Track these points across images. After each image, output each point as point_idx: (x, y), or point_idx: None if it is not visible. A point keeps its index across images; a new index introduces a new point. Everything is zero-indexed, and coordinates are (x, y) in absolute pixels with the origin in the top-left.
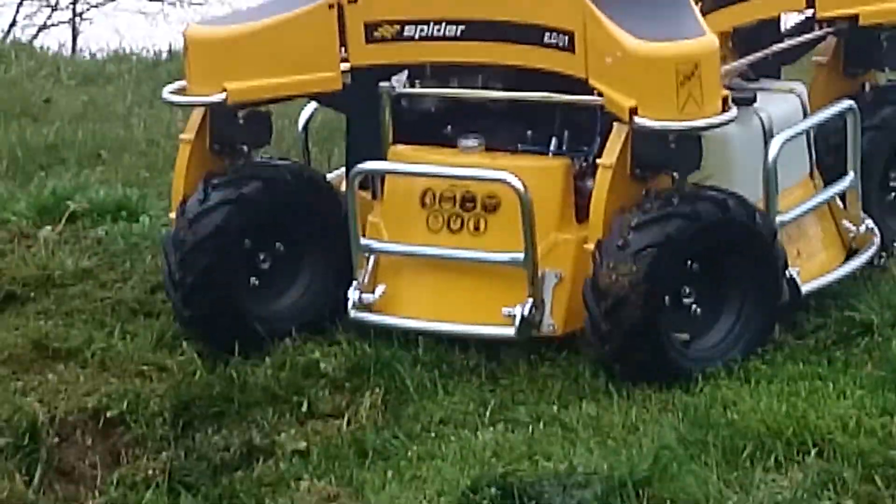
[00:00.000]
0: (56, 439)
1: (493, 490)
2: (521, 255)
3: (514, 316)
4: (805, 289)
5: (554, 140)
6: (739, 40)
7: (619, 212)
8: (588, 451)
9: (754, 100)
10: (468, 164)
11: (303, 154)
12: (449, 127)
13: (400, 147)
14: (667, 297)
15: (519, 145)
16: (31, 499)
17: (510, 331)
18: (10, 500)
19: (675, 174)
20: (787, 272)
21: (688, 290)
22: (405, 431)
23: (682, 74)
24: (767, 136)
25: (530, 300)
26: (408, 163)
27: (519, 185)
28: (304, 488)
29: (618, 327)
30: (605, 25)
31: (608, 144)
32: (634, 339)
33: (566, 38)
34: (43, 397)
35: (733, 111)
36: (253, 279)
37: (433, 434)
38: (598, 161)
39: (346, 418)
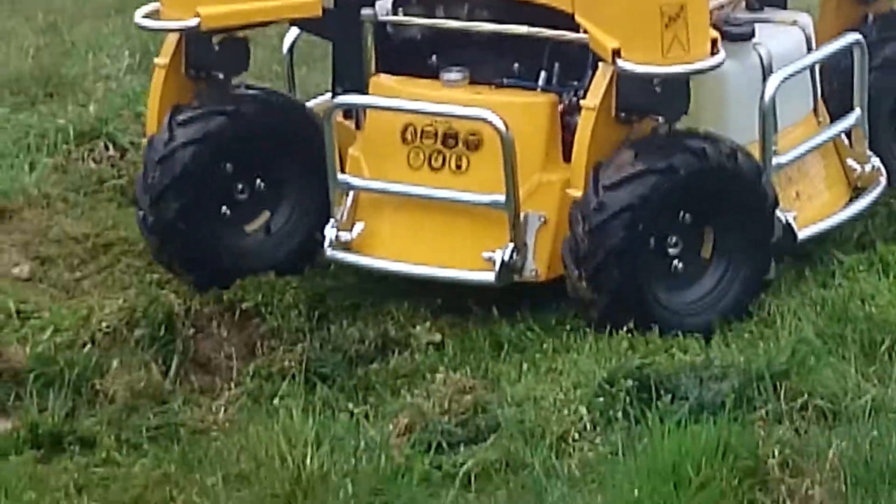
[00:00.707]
0: (192, 330)
1: (629, 382)
2: (501, 197)
3: (494, 261)
4: (803, 234)
5: (543, 74)
6: None
7: (597, 164)
8: (725, 345)
9: (752, 35)
10: (450, 99)
11: (288, 80)
12: (434, 56)
13: (382, 77)
14: (650, 254)
15: (504, 80)
16: (167, 389)
17: (490, 276)
18: (147, 389)
19: (659, 119)
20: (780, 214)
21: (673, 241)
22: (540, 325)
23: (666, 15)
24: (766, 72)
25: (511, 245)
26: (388, 95)
27: (500, 123)
28: (440, 380)
29: (600, 292)
30: None
31: (592, 85)
32: (618, 303)
33: None
34: (178, 289)
35: (721, 55)
36: (229, 213)
37: (568, 327)
38: (581, 102)
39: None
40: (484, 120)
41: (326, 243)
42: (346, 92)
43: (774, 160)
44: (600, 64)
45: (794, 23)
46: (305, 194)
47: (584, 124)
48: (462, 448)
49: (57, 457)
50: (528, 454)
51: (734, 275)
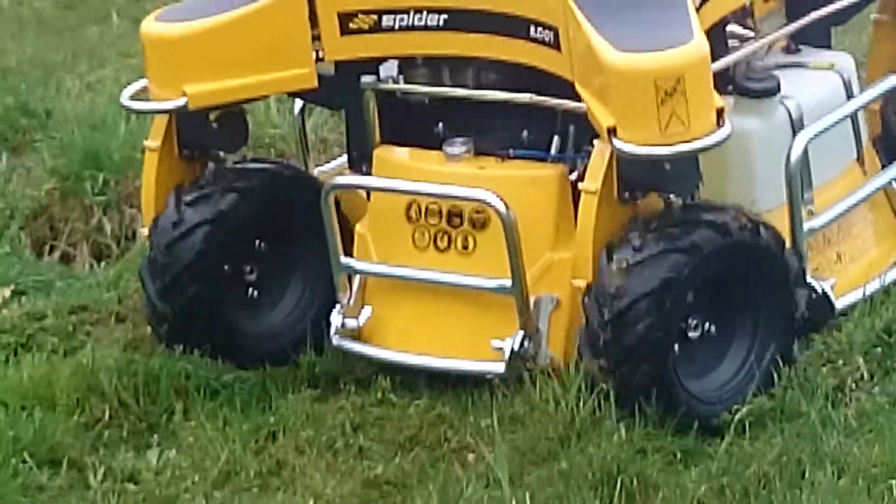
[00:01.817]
0: None
1: None
2: (508, 282)
3: (504, 350)
4: (843, 303)
5: (556, 139)
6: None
7: (608, 247)
8: None
9: (777, 89)
10: (452, 174)
11: (301, 145)
12: (440, 125)
13: (384, 150)
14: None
15: (511, 150)
16: None
17: (500, 367)
18: None
19: (669, 197)
20: (815, 284)
21: (694, 323)
22: None
23: (662, 91)
24: (796, 128)
25: (521, 332)
26: (391, 170)
27: (499, 203)
28: None
29: (624, 386)
30: (583, 28)
31: (590, 165)
32: (645, 395)
33: (552, 33)
34: None
35: (726, 129)
36: (244, 295)
37: None
38: (580, 186)
39: None
40: (482, 201)
41: (332, 330)
42: (359, 158)
43: (806, 225)
44: (596, 142)
45: (831, 66)
46: (322, 271)
47: (586, 210)
48: None
49: (334, 396)
50: (803, 404)
51: (758, 356)
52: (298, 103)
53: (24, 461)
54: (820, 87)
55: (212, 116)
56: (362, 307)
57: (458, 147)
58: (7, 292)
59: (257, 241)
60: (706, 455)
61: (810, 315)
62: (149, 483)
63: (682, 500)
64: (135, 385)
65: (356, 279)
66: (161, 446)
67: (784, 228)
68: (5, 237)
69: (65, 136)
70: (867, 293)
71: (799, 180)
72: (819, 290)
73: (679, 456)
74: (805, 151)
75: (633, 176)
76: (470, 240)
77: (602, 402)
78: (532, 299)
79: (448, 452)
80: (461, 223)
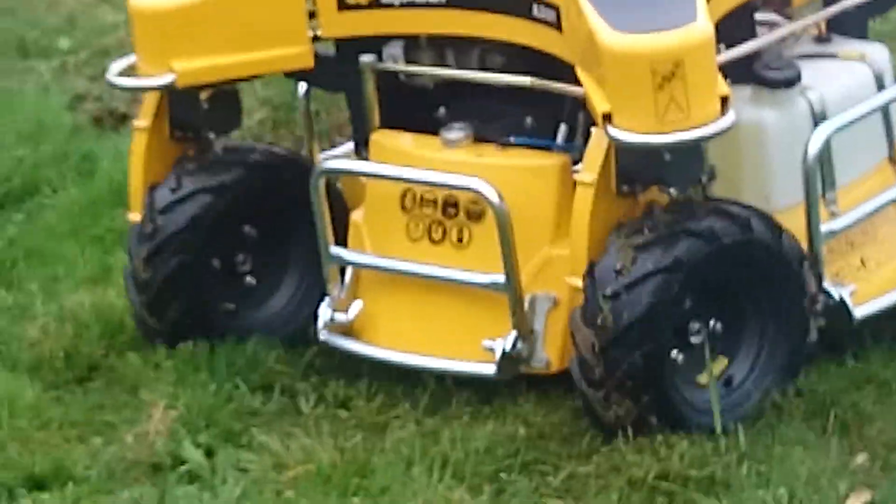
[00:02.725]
0: None
1: None
2: (501, 278)
3: (495, 351)
4: (863, 311)
5: (562, 128)
6: None
7: (616, 229)
8: None
9: (797, 79)
10: (448, 162)
11: (306, 128)
12: (442, 110)
13: (381, 134)
14: (672, 331)
15: (512, 137)
16: None
17: (490, 368)
18: None
19: (669, 191)
20: (832, 290)
21: (696, 327)
22: None
23: (659, 75)
24: (818, 122)
25: (514, 332)
26: (385, 156)
27: (491, 193)
28: None
29: (614, 372)
30: (582, 7)
31: (587, 156)
32: (634, 387)
33: (553, 12)
34: None
35: (730, 117)
36: (235, 280)
37: None
38: (576, 177)
39: None
40: (473, 190)
41: (320, 324)
42: (363, 143)
43: (825, 226)
44: (593, 130)
45: (862, 57)
46: (317, 263)
47: (582, 202)
48: None
49: None
50: None
51: (761, 373)
52: (303, 85)
53: (238, 387)
54: (847, 78)
55: (203, 96)
56: (353, 301)
57: (455, 132)
58: None
59: (252, 226)
60: None
61: (827, 322)
62: (360, 409)
63: None
64: None
65: (348, 271)
66: (370, 376)
67: (801, 228)
68: None
69: None
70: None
71: (817, 177)
72: (836, 297)
73: (894, 386)
74: (827, 146)
75: (631, 167)
76: (465, 232)
77: None
78: (527, 297)
79: None
80: (456, 214)
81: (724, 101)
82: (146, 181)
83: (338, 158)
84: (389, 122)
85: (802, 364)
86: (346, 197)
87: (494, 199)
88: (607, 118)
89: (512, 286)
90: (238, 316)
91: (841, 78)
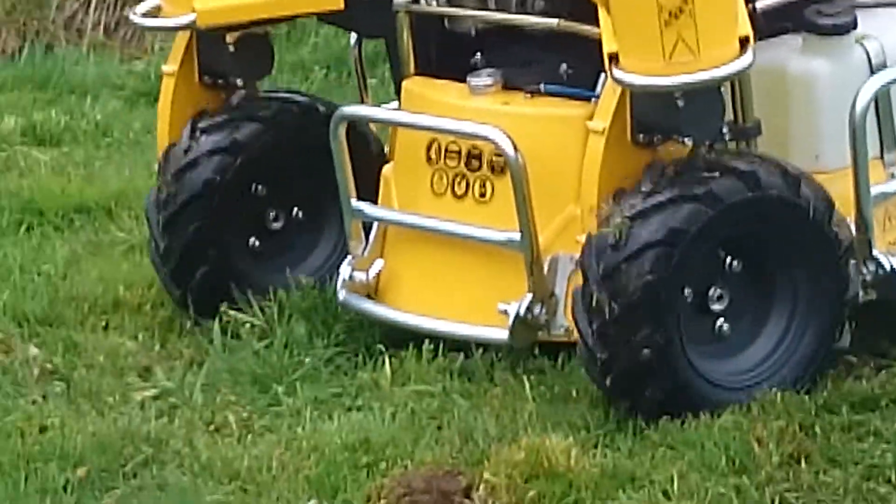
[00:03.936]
0: None
1: None
2: (517, 235)
3: (508, 315)
4: None
5: (602, 77)
6: None
7: (614, 194)
8: None
9: (852, 26)
10: (472, 109)
11: (358, 78)
12: (478, 56)
13: (413, 81)
14: (684, 308)
15: (542, 86)
16: None
17: (503, 334)
18: None
19: (685, 141)
20: (883, 259)
21: (718, 293)
22: None
23: (666, 10)
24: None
25: (530, 295)
26: (414, 102)
27: (506, 143)
28: None
29: (617, 355)
30: None
31: (600, 102)
32: (641, 370)
33: None
34: None
35: (746, 58)
36: (258, 245)
37: None
38: (588, 125)
39: None
40: (486, 139)
41: (339, 283)
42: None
43: (877, 188)
44: (604, 74)
45: None
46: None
47: (593, 152)
48: None
49: None
50: None
51: (795, 342)
52: (354, 35)
53: None
54: None
55: (229, 39)
56: (375, 260)
57: (483, 79)
58: None
59: (281, 184)
60: None
61: (879, 294)
62: None
63: None
64: None
65: (374, 228)
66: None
67: None
68: None
69: None
70: None
71: (864, 133)
72: (888, 267)
73: None
74: (887, 100)
75: (646, 115)
76: (488, 186)
77: None
78: (547, 259)
79: None
80: (480, 166)
81: (745, 42)
82: (172, 130)
83: (361, 105)
84: (426, 69)
85: (843, 324)
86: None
87: (509, 148)
88: (613, 59)
89: (528, 244)
90: (260, 280)
91: None
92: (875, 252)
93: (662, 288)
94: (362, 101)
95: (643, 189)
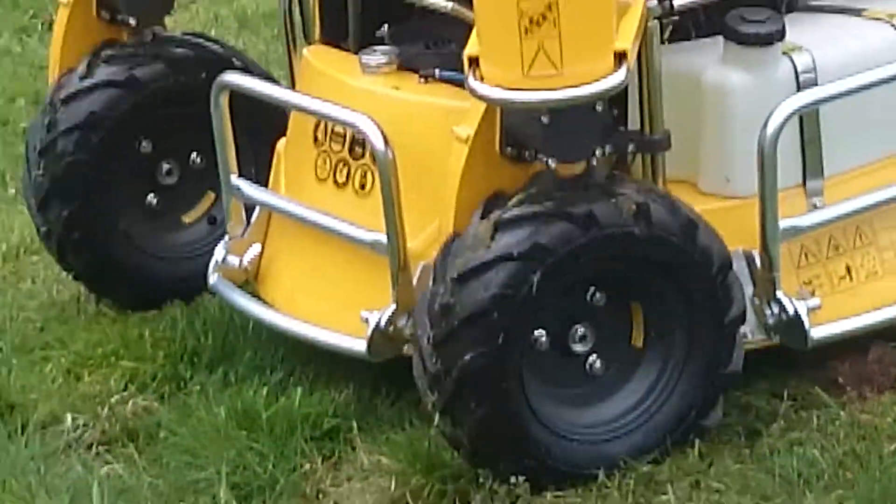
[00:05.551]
0: None
1: None
2: (383, 237)
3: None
4: (823, 332)
5: None
6: None
7: (490, 199)
8: None
9: (778, 37)
10: (359, 90)
11: (283, 28)
12: (385, 27)
13: (314, 50)
14: (538, 339)
15: (437, 71)
16: None
17: (361, 345)
18: None
19: (548, 161)
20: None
21: (580, 332)
22: None
23: (527, 17)
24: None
25: (393, 305)
26: (308, 75)
27: (375, 134)
28: None
29: (452, 377)
30: None
31: (471, 108)
32: (468, 388)
33: None
34: None
35: (617, 77)
36: (149, 198)
37: None
38: (453, 130)
39: None
40: (352, 126)
41: (211, 265)
42: None
43: (786, 222)
44: None
45: (892, 17)
46: (260, 174)
47: (454, 161)
48: None
49: None
50: None
51: (660, 406)
52: None
53: None
54: (858, 41)
55: None
56: (253, 244)
57: (376, 56)
58: None
59: (181, 132)
60: None
61: (781, 340)
62: None
63: None
64: None
65: (256, 208)
66: None
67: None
68: None
69: None
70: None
71: (773, 159)
72: (791, 311)
73: None
74: (814, 123)
75: (512, 127)
76: (369, 177)
77: None
78: (419, 266)
79: None
80: (363, 154)
81: (621, 57)
82: (63, 61)
83: (241, 73)
84: (329, 35)
85: (716, 399)
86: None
87: (376, 140)
88: (473, 63)
89: (394, 248)
90: (146, 239)
91: (851, 39)
92: (779, 294)
93: (510, 306)
94: (290, 66)
95: (520, 198)
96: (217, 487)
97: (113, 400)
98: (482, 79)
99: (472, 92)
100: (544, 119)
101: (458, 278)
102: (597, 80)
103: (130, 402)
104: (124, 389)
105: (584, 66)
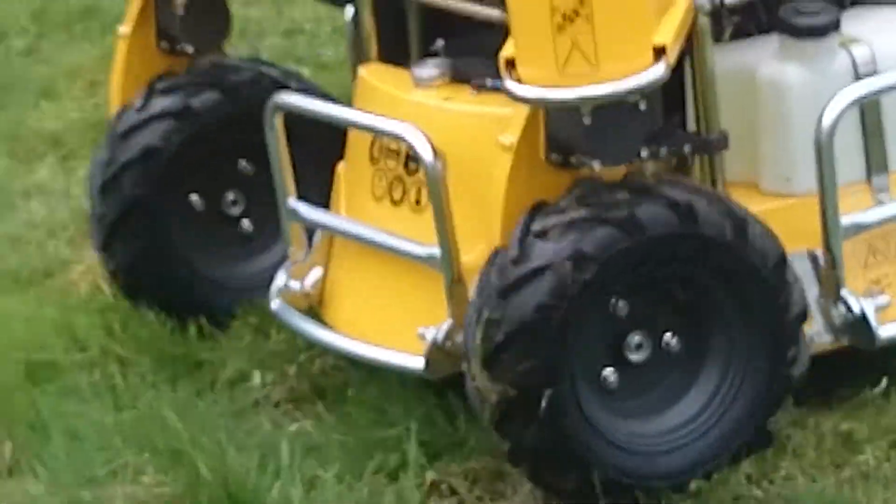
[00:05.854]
0: None
1: None
2: (437, 251)
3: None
4: (892, 330)
5: None
6: None
7: (531, 209)
8: None
9: (832, 28)
10: (411, 103)
11: (352, 56)
12: (440, 41)
13: (368, 68)
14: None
15: (489, 81)
16: None
17: (419, 362)
18: None
19: (591, 164)
20: (852, 300)
21: (636, 341)
22: None
23: (559, 13)
24: None
25: (450, 320)
26: (363, 92)
27: (424, 147)
28: None
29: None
30: None
31: (514, 115)
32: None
33: None
34: None
35: (657, 69)
36: (210, 226)
37: None
38: (498, 140)
39: None
40: (400, 138)
41: (272, 291)
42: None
43: (850, 219)
44: None
45: None
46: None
47: (499, 171)
48: None
49: None
50: None
51: (721, 414)
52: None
53: None
54: None
55: (178, 1)
56: (314, 268)
57: (428, 70)
58: None
59: (240, 158)
60: None
61: (849, 340)
62: None
63: None
64: None
65: (317, 231)
66: None
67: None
68: None
69: None
70: None
71: (832, 153)
72: (856, 310)
73: None
74: (875, 115)
75: (557, 131)
76: (424, 192)
77: None
78: (475, 280)
79: None
80: (417, 170)
81: (660, 52)
82: (124, 93)
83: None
84: (387, 54)
85: (781, 402)
86: None
87: (425, 152)
88: (510, 65)
89: (447, 262)
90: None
91: None
92: (844, 292)
93: (559, 314)
94: (354, 72)
95: (561, 205)
96: (406, 444)
97: (301, 358)
98: (519, 80)
99: (509, 93)
100: (586, 120)
101: (502, 292)
102: (632, 75)
103: (318, 361)
104: (311, 348)
105: (621, 61)
